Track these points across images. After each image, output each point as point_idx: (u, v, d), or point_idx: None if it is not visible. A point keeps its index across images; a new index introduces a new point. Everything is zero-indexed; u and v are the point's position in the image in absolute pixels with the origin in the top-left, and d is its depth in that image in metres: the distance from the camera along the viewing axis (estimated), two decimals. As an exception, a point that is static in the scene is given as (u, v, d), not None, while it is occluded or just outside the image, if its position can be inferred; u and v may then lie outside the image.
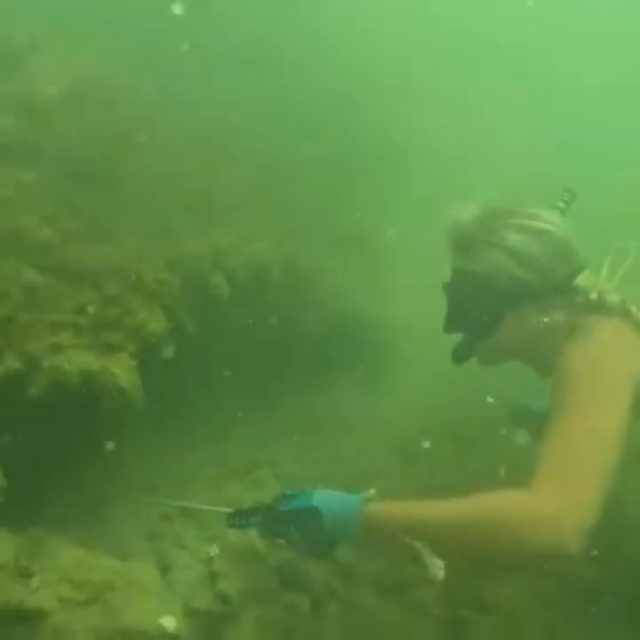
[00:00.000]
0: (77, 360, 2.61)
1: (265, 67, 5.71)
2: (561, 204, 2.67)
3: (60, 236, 2.96)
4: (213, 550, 2.73)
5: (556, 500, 1.87)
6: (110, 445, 2.92)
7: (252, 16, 5.96)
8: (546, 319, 2.40)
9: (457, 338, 2.74)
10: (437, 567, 2.03)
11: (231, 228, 3.86)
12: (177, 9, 4.67)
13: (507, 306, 2.42)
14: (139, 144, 4.04)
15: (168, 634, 2.24)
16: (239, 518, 2.35)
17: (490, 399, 3.57)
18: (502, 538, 1.89)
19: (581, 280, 2.44)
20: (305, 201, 4.69)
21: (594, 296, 2.42)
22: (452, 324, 2.57)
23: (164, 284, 3.13)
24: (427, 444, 4.04)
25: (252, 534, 2.90)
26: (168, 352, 2.98)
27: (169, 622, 2.26)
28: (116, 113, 4.24)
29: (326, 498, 2.17)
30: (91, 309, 2.81)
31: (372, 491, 2.18)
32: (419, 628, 2.85)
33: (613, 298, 2.40)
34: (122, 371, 2.65)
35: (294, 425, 4.12)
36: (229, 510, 2.42)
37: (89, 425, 2.74)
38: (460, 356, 2.64)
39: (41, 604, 2.18)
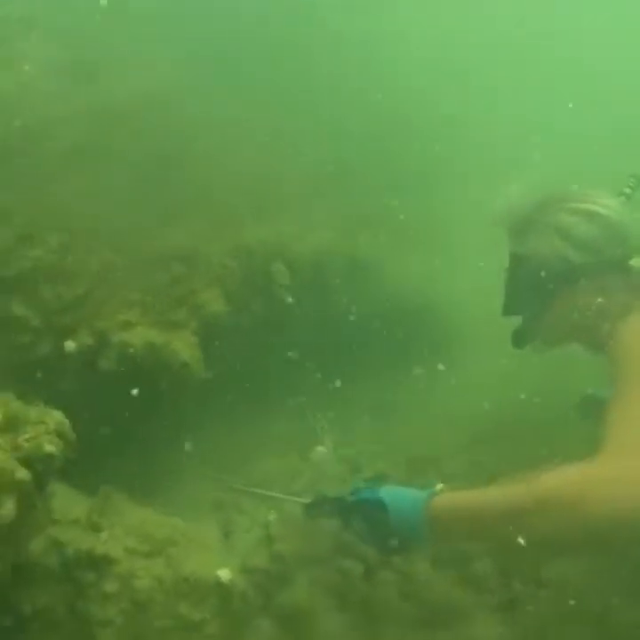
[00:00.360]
0: (144, 335, 2.80)
1: (325, 70, 5.88)
2: (627, 190, 2.70)
3: (131, 222, 3.16)
4: (271, 515, 2.86)
5: (620, 470, 1.88)
6: (172, 417, 3.11)
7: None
8: (599, 299, 2.44)
9: (518, 322, 2.80)
10: None
11: (294, 219, 4.00)
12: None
13: (559, 286, 2.47)
14: (208, 143, 4.25)
15: (224, 584, 2.38)
16: (315, 509, 2.50)
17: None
18: (570, 511, 1.88)
19: (637, 262, 2.47)
20: (368, 196, 4.80)
21: None
22: (508, 307, 2.64)
23: (228, 268, 3.29)
24: (492, 431, 4.08)
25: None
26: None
27: (225, 574, 2.40)
28: (187, 116, 4.45)
29: (394, 492, 2.25)
30: (157, 290, 3.00)
31: (440, 486, 2.24)
32: (475, 600, 2.90)
33: None
34: (184, 345, 2.83)
35: (355, 409, 4.22)
36: (305, 501, 2.60)
37: (156, 397, 2.92)
38: (519, 340, 2.70)
39: (109, 553, 2.35)
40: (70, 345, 2.84)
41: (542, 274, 2.49)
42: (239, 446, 3.53)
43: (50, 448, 2.02)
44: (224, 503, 3.16)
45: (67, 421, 2.20)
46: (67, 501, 2.56)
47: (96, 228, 3.11)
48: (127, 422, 2.96)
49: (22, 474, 1.89)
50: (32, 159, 3.40)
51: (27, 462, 1.94)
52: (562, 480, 1.97)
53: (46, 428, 2.09)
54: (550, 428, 3.79)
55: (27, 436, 2.00)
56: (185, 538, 2.56)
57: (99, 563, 2.33)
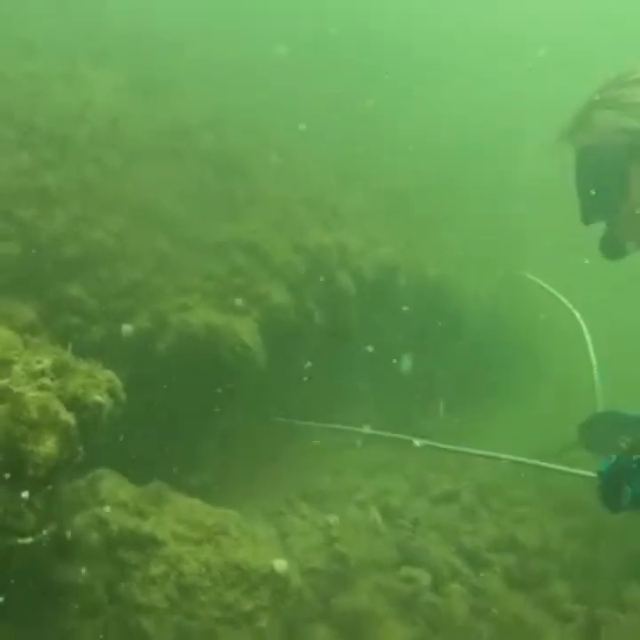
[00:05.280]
0: (204, 316, 2.67)
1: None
2: None
3: (192, 213, 3.08)
4: (332, 518, 2.63)
5: None
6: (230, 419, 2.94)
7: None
8: None
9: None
10: None
11: (356, 232, 3.89)
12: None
13: (630, 165, 2.22)
14: (273, 161, 4.20)
15: (279, 575, 2.16)
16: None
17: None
18: None
19: None
20: (431, 220, 4.69)
21: None
22: (587, 212, 2.35)
23: (290, 265, 3.17)
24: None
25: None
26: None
27: (280, 565, 2.18)
28: (250, 133, 4.44)
29: None
30: (218, 277, 2.88)
31: None
32: (550, 622, 2.61)
33: None
34: (244, 328, 2.68)
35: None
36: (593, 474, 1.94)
37: (216, 386, 2.76)
38: (608, 246, 2.36)
39: (155, 533, 2.16)
40: (128, 328, 2.72)
41: (608, 155, 2.23)
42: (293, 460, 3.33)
43: (98, 398, 1.87)
44: (281, 511, 2.94)
45: (119, 381, 2.06)
46: (115, 486, 2.39)
47: (156, 217, 3.03)
48: (185, 415, 2.80)
49: (67, 416, 1.74)
50: (96, 157, 3.38)
51: (73, 407, 1.79)
52: None
53: (96, 381, 1.95)
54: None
55: (75, 383, 1.85)
56: (238, 529, 2.35)
57: (144, 543, 2.14)
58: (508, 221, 5.63)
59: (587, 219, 2.33)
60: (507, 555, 2.91)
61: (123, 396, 2.06)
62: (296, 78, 5.41)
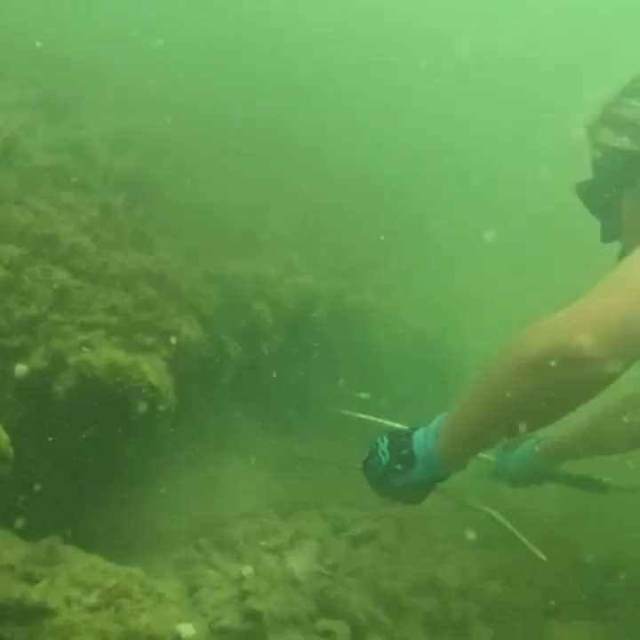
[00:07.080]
0: (106, 355, 2.48)
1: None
2: None
3: (96, 244, 2.89)
4: (246, 570, 2.47)
5: (574, 311, 1.67)
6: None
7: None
8: None
9: None
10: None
11: (275, 260, 3.77)
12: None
13: (621, 183, 2.10)
14: (181, 181, 4.03)
15: (185, 642, 1.98)
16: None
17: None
18: (526, 358, 1.68)
19: None
20: (352, 244, 4.61)
21: None
22: (602, 229, 2.24)
23: (203, 296, 3.01)
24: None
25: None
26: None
27: (187, 630, 2.00)
28: (160, 155, 4.26)
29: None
30: (123, 312, 2.70)
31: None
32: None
33: None
34: (152, 369, 2.50)
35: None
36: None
37: (118, 430, 2.57)
38: None
39: (45, 602, 1.95)
40: (21, 368, 2.50)
41: (604, 173, 2.12)
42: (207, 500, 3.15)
43: (-23, 458, 1.67)
44: (191, 559, 2.76)
45: (5, 435, 1.86)
46: (1, 546, 2.16)
47: (56, 246, 2.82)
48: (85, 461, 2.60)
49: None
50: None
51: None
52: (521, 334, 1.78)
53: (-24, 437, 1.74)
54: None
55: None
56: (141, 589, 2.15)
57: (32, 614, 1.92)
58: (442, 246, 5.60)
59: (603, 236, 2.25)
60: (427, 597, 2.81)
61: (10, 450, 1.86)
62: (212, 97, 5.27)
